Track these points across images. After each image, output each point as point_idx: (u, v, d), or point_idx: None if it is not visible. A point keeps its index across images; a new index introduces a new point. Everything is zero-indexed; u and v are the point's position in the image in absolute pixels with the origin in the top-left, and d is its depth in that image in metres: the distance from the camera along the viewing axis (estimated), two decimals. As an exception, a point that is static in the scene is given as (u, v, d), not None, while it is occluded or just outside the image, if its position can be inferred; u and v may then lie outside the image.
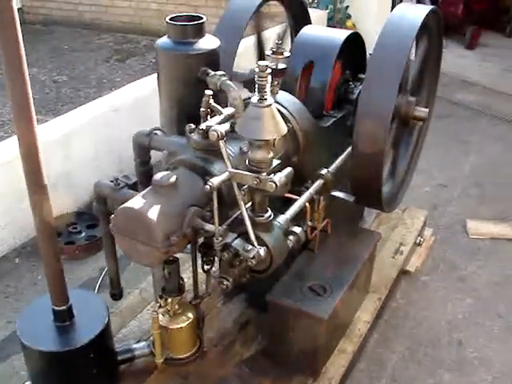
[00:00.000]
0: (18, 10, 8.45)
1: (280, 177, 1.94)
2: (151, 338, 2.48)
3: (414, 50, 2.88)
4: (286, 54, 2.82)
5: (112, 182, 2.24)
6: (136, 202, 1.95)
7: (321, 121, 2.74)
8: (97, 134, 4.24)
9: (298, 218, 2.31)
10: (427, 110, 2.95)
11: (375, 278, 3.08)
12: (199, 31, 2.29)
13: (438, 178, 4.73)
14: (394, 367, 2.93)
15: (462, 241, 3.94)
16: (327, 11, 7.10)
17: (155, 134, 2.28)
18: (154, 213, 1.89)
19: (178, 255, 2.25)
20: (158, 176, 1.99)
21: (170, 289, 2.35)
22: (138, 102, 4.53)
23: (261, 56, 2.97)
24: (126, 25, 8.23)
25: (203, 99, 2.07)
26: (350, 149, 2.65)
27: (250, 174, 1.96)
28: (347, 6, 7.32)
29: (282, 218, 2.16)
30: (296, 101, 2.58)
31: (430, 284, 3.52)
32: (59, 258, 2.20)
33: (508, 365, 2.96)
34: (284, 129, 1.95)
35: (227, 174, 1.97)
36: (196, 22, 2.28)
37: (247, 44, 3.04)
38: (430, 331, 3.16)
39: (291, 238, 2.14)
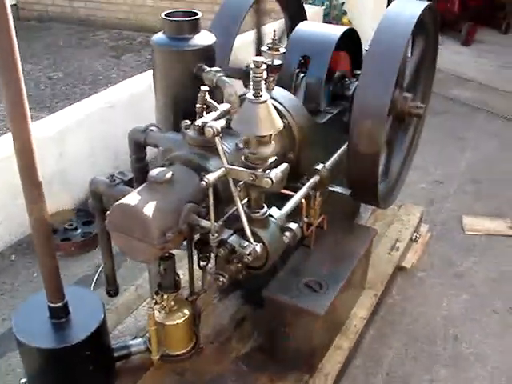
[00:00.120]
0: (13, 6, 8.45)
1: (276, 173, 1.93)
2: (147, 335, 2.48)
3: (409, 47, 2.89)
4: (282, 50, 2.80)
5: (108, 178, 2.24)
6: (132, 198, 1.94)
7: (317, 117, 2.74)
8: (92, 130, 4.23)
9: (294, 214, 2.31)
10: (423, 106, 2.95)
11: (371, 274, 3.08)
12: (195, 27, 2.29)
13: (434, 175, 4.74)
14: (390, 363, 2.93)
15: (457, 237, 3.95)
16: (323, 7, 7.09)
17: (151, 130, 2.27)
18: (149, 209, 1.89)
19: (173, 252, 2.24)
20: (153, 172, 1.99)
21: (165, 285, 2.34)
22: (134, 98, 4.51)
23: (259, 51, 2.96)
24: (122, 21, 8.21)
25: (199, 95, 2.07)
26: (345, 145, 2.65)
27: (245, 170, 1.95)
28: (343, 3, 7.31)
29: (278, 214, 2.16)
30: (292, 97, 2.58)
31: (426, 280, 3.53)
32: (55, 255, 2.20)
33: (504, 360, 2.97)
34: (280, 125, 1.94)
35: (223, 170, 1.96)
36: (191, 18, 2.27)
37: (243, 40, 3.03)
38: (426, 327, 3.17)
39: (287, 234, 2.14)
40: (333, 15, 7.21)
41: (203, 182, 1.90)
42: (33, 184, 2.01)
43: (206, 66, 2.25)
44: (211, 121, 2.01)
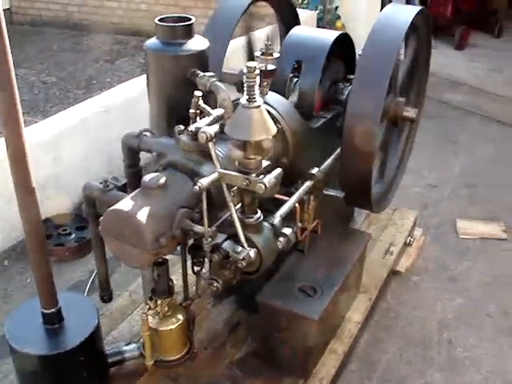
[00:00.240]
0: (6, 10, 8.45)
1: (269, 178, 1.94)
2: (141, 340, 2.47)
3: (403, 51, 2.89)
4: (276, 54, 2.81)
5: (101, 183, 2.23)
6: (125, 204, 1.94)
7: (310, 122, 2.74)
8: (87, 135, 4.22)
9: (287, 219, 2.31)
10: (416, 110, 2.96)
11: (366, 278, 3.09)
12: (188, 32, 2.29)
13: (428, 178, 4.75)
14: (384, 367, 2.93)
15: (452, 241, 3.96)
16: (317, 12, 7.10)
17: (144, 135, 2.27)
18: (143, 215, 1.89)
19: (167, 256, 2.24)
20: (147, 178, 1.98)
21: (159, 291, 2.34)
22: (128, 102, 4.51)
23: (251, 57, 2.97)
24: (116, 25, 8.20)
25: (192, 100, 2.07)
26: (339, 150, 2.66)
27: (239, 175, 1.96)
28: (336, 7, 7.33)
29: (271, 220, 2.16)
30: (285, 101, 2.58)
31: (420, 284, 3.53)
32: (48, 260, 2.19)
33: (498, 364, 2.97)
34: (273, 130, 1.94)
35: (216, 174, 1.96)
36: (185, 23, 2.27)
37: (236, 45, 3.04)
38: (420, 331, 3.17)
39: (281, 239, 2.14)
40: (326, 20, 7.22)
41: (196, 187, 1.90)
42: (26, 189, 2.01)
43: (199, 71, 2.25)
44: (204, 126, 2.01)
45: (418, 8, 2.70)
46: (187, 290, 2.37)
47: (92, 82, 6.60)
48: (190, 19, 2.29)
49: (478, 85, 6.73)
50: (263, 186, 1.90)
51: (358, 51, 2.69)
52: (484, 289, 3.51)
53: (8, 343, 2.21)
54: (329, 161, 2.65)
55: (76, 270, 3.63)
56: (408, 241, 3.63)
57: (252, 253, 2.01)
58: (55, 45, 7.90)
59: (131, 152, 2.31)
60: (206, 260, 2.16)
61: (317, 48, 2.79)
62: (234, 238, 2.05)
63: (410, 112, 2.89)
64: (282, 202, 2.32)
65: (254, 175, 1.94)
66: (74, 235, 3.87)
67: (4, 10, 1.70)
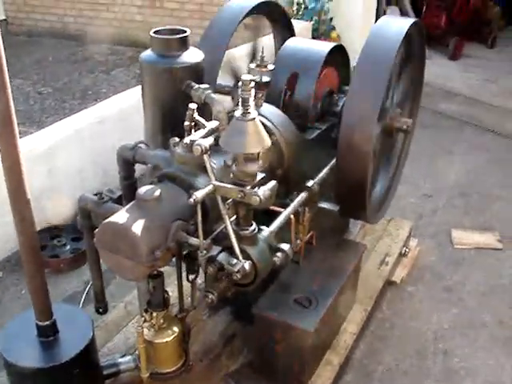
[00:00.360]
0: (2, 21, 8.47)
1: (264, 190, 1.94)
2: (136, 352, 2.46)
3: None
4: (270, 66, 2.82)
5: (96, 194, 2.23)
6: (120, 216, 1.94)
7: (305, 133, 2.75)
8: (82, 146, 4.22)
9: (283, 231, 2.31)
10: (411, 120, 2.97)
11: (361, 289, 3.09)
12: (183, 44, 2.30)
13: (423, 188, 4.76)
14: (380, 378, 2.92)
15: (447, 251, 3.96)
16: (312, 23, 7.13)
17: (139, 147, 2.27)
18: (138, 227, 1.89)
19: (162, 268, 2.23)
20: (141, 190, 1.98)
21: (154, 303, 2.33)
22: (124, 113, 4.51)
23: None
24: (111, 36, 8.22)
25: (187, 113, 2.07)
26: (334, 161, 2.66)
27: (234, 187, 1.96)
28: (331, 18, 7.36)
29: (266, 232, 2.16)
30: (280, 113, 2.59)
31: (415, 294, 3.53)
32: (43, 272, 2.18)
33: (494, 374, 2.97)
34: (268, 142, 1.95)
35: (211, 187, 1.96)
36: (180, 36, 2.28)
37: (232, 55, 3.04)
38: (416, 341, 3.17)
39: (279, 254, 2.13)
40: (321, 30, 7.25)
41: (191, 200, 1.90)
42: (21, 200, 2.01)
43: (194, 83, 2.26)
44: (199, 139, 2.01)
45: (412, 20, 2.72)
46: (182, 302, 2.36)
47: (88, 92, 6.61)
48: (185, 31, 2.30)
49: (473, 95, 6.76)
50: (258, 199, 1.91)
51: (353, 62, 2.70)
52: (479, 299, 3.51)
53: (2, 356, 2.20)
54: (324, 172, 2.65)
55: (71, 281, 3.62)
56: (403, 251, 3.64)
57: (247, 265, 2.01)
58: (51, 55, 7.91)
59: (126, 164, 2.32)
60: (202, 270, 2.16)
61: (311, 59, 2.80)
62: (229, 250, 2.05)
63: (405, 122, 2.90)
64: (277, 214, 2.33)
65: (248, 187, 1.95)
66: (69, 246, 3.86)
67: (0, 21, 1.70)
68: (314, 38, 6.89)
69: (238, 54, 3.14)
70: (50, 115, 5.94)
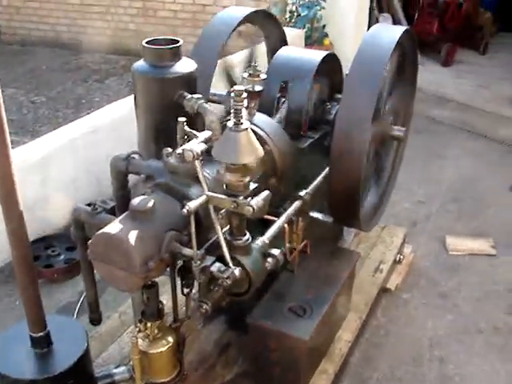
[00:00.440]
0: (-5, 30, 8.45)
1: (257, 200, 1.94)
2: (131, 363, 2.45)
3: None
4: (263, 75, 2.83)
5: (89, 205, 2.23)
6: (113, 227, 1.94)
7: (298, 142, 2.75)
8: (76, 155, 4.21)
9: (276, 239, 2.31)
10: (404, 128, 2.98)
11: (356, 296, 3.09)
12: (175, 54, 2.30)
13: (417, 194, 4.77)
14: (375, 386, 2.93)
15: (441, 257, 3.97)
16: (304, 30, 7.15)
17: (132, 158, 2.27)
18: (131, 238, 1.88)
19: (157, 278, 2.23)
20: (135, 201, 1.98)
21: (149, 313, 2.32)
22: (117, 122, 4.51)
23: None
24: (104, 45, 8.23)
25: (177, 127, 2.07)
26: (327, 169, 2.67)
27: (227, 197, 1.96)
28: (324, 25, 7.38)
29: (260, 241, 2.16)
30: (273, 122, 2.60)
31: (410, 301, 3.53)
32: (36, 284, 2.18)
33: (489, 380, 2.98)
34: (261, 152, 1.95)
35: (204, 197, 1.96)
36: (172, 46, 2.28)
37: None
38: (411, 348, 3.17)
39: (270, 260, 2.13)
40: (314, 38, 7.27)
41: (185, 210, 1.90)
42: (14, 211, 2.01)
43: (186, 93, 2.26)
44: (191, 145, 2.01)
45: (403, 28, 2.73)
46: (177, 312, 2.36)
47: (81, 101, 6.62)
48: (178, 41, 2.31)
49: (466, 101, 6.78)
50: (251, 209, 1.91)
51: (346, 70, 2.71)
52: (474, 305, 3.52)
53: (-4, 368, 2.19)
54: (317, 181, 2.66)
55: (65, 292, 3.61)
56: (397, 258, 3.64)
57: (237, 271, 2.00)
58: (44, 64, 7.91)
59: (120, 175, 2.31)
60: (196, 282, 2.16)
61: (304, 68, 2.81)
62: (222, 259, 2.05)
63: (398, 130, 2.91)
64: (270, 223, 2.33)
65: (241, 198, 1.95)
66: (63, 256, 3.85)
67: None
68: (306, 45, 6.90)
69: (236, 60, 3.14)
70: (43, 124, 5.94)
